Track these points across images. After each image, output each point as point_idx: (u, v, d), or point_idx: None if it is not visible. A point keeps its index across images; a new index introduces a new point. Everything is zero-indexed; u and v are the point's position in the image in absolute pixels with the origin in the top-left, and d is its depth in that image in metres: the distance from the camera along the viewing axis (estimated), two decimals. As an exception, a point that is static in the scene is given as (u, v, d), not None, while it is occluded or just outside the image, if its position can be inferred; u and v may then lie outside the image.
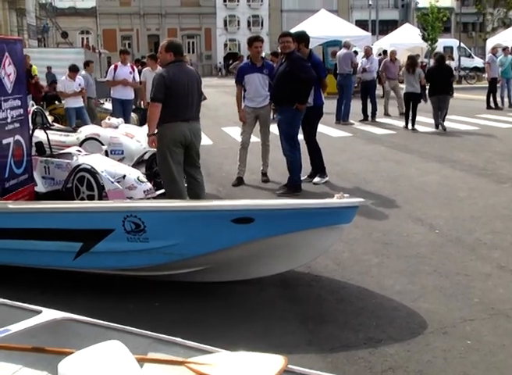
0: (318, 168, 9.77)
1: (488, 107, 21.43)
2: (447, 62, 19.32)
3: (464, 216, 7.64)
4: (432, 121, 16.57)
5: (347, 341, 4.39)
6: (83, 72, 15.62)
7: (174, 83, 7.02)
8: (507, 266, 5.85)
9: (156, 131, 7.21)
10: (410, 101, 16.28)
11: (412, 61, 16.45)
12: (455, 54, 40.19)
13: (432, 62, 22.45)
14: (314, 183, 9.60)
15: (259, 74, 9.59)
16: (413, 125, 16.35)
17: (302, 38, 9.36)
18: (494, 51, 22.59)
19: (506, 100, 21.86)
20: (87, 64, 16.43)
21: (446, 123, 16.43)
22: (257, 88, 9.64)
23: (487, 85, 22.13)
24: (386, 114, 20.00)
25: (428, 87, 16.42)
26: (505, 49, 22.57)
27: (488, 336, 4.44)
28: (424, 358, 4.14)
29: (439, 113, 16.17)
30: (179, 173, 7.32)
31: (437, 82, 15.96)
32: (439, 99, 16.03)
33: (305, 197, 8.53)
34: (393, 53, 20.36)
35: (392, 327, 4.60)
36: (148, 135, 7.25)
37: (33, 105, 12.62)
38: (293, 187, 8.97)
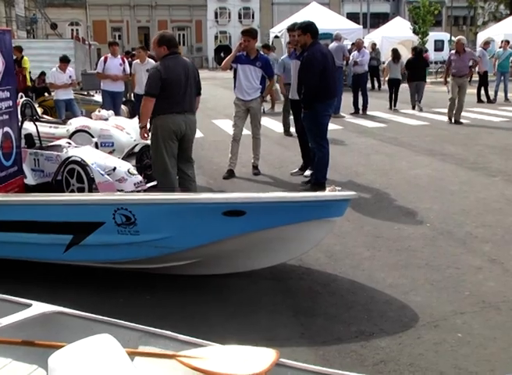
0: (310, 161, 9.72)
1: (479, 100, 21.45)
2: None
3: (455, 210, 7.65)
4: (423, 114, 18.23)
5: (339, 334, 4.39)
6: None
7: (169, 75, 6.97)
8: (498, 259, 5.87)
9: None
10: (393, 86, 19.67)
11: (395, 53, 19.92)
12: (446, 47, 40.23)
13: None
14: (305, 177, 9.56)
15: (251, 66, 9.56)
16: (395, 105, 19.59)
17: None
18: (486, 46, 22.62)
19: (500, 94, 21.82)
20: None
21: (436, 116, 17.70)
22: (248, 80, 9.61)
23: (477, 79, 22.12)
24: (456, 121, 16.21)
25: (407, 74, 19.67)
26: (507, 43, 22.60)
27: (479, 329, 4.45)
28: (415, 351, 4.14)
29: (416, 96, 19.48)
30: (173, 166, 7.26)
31: (415, 71, 19.15)
32: (417, 85, 19.39)
33: (297, 190, 8.53)
34: (460, 43, 16.43)
35: (384, 320, 4.60)
36: (140, 127, 7.22)
37: (22, 97, 12.52)
38: (317, 185, 8.76)
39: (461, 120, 16.01)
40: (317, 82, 8.44)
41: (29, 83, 17.33)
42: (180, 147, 7.28)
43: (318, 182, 8.76)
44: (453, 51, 16.97)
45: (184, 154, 7.37)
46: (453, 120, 16.14)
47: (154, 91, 6.97)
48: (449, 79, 16.42)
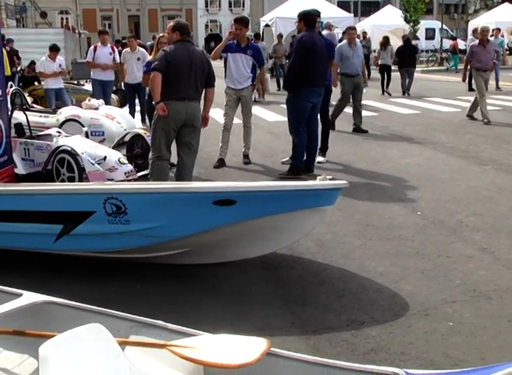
0: (322, 146, 10.03)
1: (470, 89, 21.38)
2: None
3: (446, 198, 7.66)
4: (414, 103, 18.17)
5: (330, 323, 4.40)
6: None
7: (175, 60, 6.96)
8: (489, 248, 5.88)
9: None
10: (385, 71, 20.89)
11: (385, 40, 21.19)
12: (437, 35, 40.16)
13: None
14: (318, 162, 9.68)
15: (242, 54, 9.53)
16: (386, 90, 20.80)
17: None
18: (476, 34, 22.55)
19: (491, 82, 21.71)
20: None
21: (427, 105, 17.65)
22: (238, 68, 9.59)
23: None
24: (471, 117, 14.67)
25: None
26: (498, 31, 22.52)
27: (469, 318, 4.46)
28: (406, 339, 4.15)
29: (406, 82, 20.49)
30: (166, 154, 7.29)
31: (405, 58, 20.18)
32: (407, 71, 20.40)
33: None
34: (485, 32, 14.52)
35: (375, 309, 4.61)
36: (155, 104, 7.09)
37: (11, 86, 12.45)
38: (294, 171, 8.85)
39: (458, 109, 15.52)
40: (300, 64, 8.57)
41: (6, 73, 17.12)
42: (181, 133, 7.24)
43: (295, 168, 8.93)
44: (475, 42, 15.12)
45: (184, 139, 7.29)
46: (486, 120, 14.07)
47: (160, 66, 6.92)
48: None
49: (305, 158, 9.21)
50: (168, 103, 7.04)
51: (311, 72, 8.63)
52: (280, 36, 24.79)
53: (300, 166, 8.97)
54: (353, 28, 13.49)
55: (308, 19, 8.82)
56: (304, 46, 8.59)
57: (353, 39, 12.69)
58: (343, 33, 20.82)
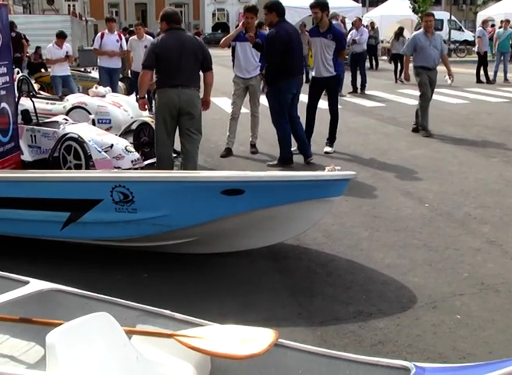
0: (331, 137, 10.03)
1: (478, 81, 21.35)
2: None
3: (454, 190, 7.63)
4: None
5: (337, 315, 4.38)
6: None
7: (163, 50, 7.02)
8: (497, 241, 5.85)
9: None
10: (398, 60, 21.28)
11: (400, 31, 22.32)
12: (445, 27, 39.95)
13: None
14: (326, 153, 9.74)
15: (250, 43, 9.46)
16: (400, 78, 20.71)
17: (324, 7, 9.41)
18: (485, 25, 22.47)
19: (499, 74, 21.67)
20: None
21: (435, 96, 16.93)
22: (247, 57, 9.57)
23: (477, 59, 21.99)
24: None
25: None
26: (508, 22, 22.33)
27: (477, 311, 4.44)
28: (413, 332, 4.13)
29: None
30: (165, 140, 7.31)
31: None
32: None
33: (296, 169, 8.50)
34: None
35: (382, 301, 4.59)
36: (138, 98, 7.26)
37: (18, 73, 12.42)
38: (283, 161, 8.89)
39: (467, 101, 15.15)
40: (277, 59, 8.53)
41: None
42: (180, 121, 7.26)
43: (283, 158, 8.97)
44: None
45: (183, 127, 7.29)
46: None
47: (147, 62, 7.12)
48: None
49: (298, 147, 9.20)
50: (162, 91, 7.20)
51: (290, 63, 8.63)
52: (303, 25, 24.34)
53: (289, 156, 9.01)
54: (431, 14, 11.71)
55: (280, 9, 8.77)
56: (280, 42, 8.51)
57: (430, 27, 11.20)
58: (353, 23, 20.80)
